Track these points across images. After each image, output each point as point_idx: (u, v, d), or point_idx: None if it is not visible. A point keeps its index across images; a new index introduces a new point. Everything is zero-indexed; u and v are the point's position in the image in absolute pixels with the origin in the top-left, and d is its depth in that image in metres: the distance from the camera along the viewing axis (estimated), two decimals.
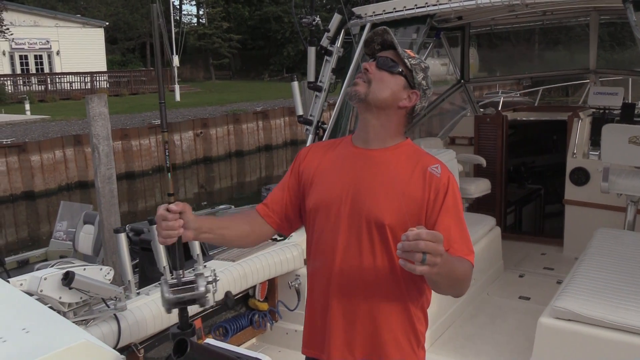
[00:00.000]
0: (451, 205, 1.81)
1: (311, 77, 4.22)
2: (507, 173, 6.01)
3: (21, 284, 2.44)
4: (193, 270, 1.96)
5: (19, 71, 32.02)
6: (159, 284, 1.78)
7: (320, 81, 4.21)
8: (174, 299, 1.82)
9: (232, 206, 9.44)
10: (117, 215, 6.46)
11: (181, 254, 1.88)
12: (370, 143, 1.90)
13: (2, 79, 29.20)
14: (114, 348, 2.44)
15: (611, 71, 7.66)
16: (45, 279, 2.46)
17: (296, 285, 3.71)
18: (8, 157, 15.78)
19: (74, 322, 2.35)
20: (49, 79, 31.23)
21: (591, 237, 3.98)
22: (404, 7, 4.06)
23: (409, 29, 4.21)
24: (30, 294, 2.27)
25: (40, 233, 13.96)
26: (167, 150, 1.99)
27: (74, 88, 31.16)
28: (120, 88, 33.23)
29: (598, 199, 4.96)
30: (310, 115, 4.20)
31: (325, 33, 4.20)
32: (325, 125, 4.18)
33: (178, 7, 47.37)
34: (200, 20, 50.59)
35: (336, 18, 4.17)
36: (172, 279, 1.90)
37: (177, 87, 28.99)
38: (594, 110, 6.03)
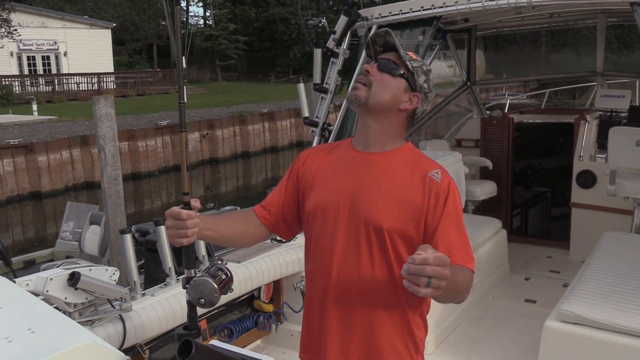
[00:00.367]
0: (452, 212, 1.79)
1: (317, 78, 4.22)
2: (514, 175, 5.99)
3: (27, 284, 2.45)
4: (199, 270, 1.96)
5: (26, 72, 32.17)
6: (194, 281, 1.77)
7: (326, 83, 4.21)
8: (217, 281, 1.79)
9: (238, 207, 9.44)
10: (123, 216, 6.48)
11: (193, 253, 1.88)
12: (370, 146, 1.89)
13: (9, 79, 29.34)
14: (119, 349, 2.44)
15: (618, 74, 7.64)
16: (51, 279, 2.47)
17: (301, 287, 3.70)
18: (15, 158, 15.85)
19: (79, 322, 2.36)
20: (56, 80, 31.38)
21: (598, 240, 3.96)
22: (411, 9, 4.06)
23: (415, 31, 4.20)
24: (36, 294, 2.27)
25: (47, 233, 14.01)
26: (185, 150, 1.97)
27: (81, 89, 31.28)
28: (127, 89, 33.33)
29: (605, 202, 4.94)
30: (316, 117, 4.20)
31: (332, 35, 4.20)
32: (331, 127, 4.18)
33: (185, 8, 47.48)
34: (207, 21, 50.73)
35: (342, 20, 4.17)
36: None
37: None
38: (601, 112, 6.01)
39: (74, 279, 2.49)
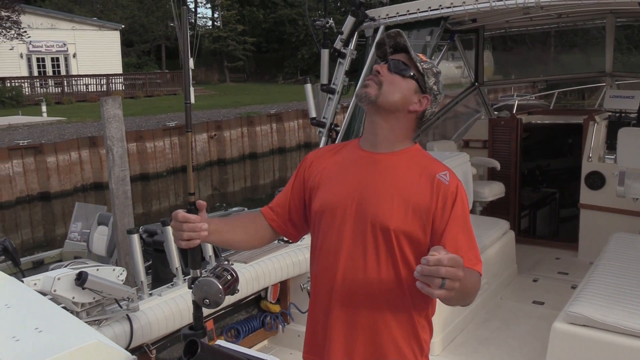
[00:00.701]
0: (459, 214, 1.78)
1: (324, 79, 4.22)
2: (522, 176, 5.97)
3: (35, 284, 2.46)
4: (206, 271, 1.96)
5: (36, 73, 32.37)
6: (199, 281, 1.78)
7: (334, 83, 4.21)
8: (222, 282, 1.80)
9: (245, 208, 9.46)
10: (130, 217, 6.50)
11: (199, 254, 1.89)
12: (377, 147, 1.88)
13: (19, 81, 29.54)
14: (126, 348, 2.45)
15: (628, 74, 7.58)
16: (58, 279, 2.48)
17: (308, 288, 3.68)
18: (25, 159, 15.94)
19: (86, 322, 2.36)
20: (65, 81, 31.56)
21: (606, 242, 3.94)
22: (418, 9, 4.05)
23: (423, 31, 4.19)
24: (44, 294, 2.28)
25: (55, 234, 14.08)
26: (191, 150, 1.98)
27: (90, 90, 31.44)
28: (136, 90, 33.47)
29: (614, 203, 4.91)
30: (324, 118, 4.20)
31: (339, 35, 4.20)
32: (338, 128, 4.17)
33: (193, 10, 47.63)
34: (215, 23, 50.87)
35: (350, 20, 4.16)
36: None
37: (191, 89, 29.14)
38: (610, 113, 5.98)
39: (81, 279, 2.50)
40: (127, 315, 2.74)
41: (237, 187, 20.34)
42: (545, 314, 3.97)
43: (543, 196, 6.56)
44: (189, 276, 1.86)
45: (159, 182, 19.04)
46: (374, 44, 4.13)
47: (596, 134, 5.23)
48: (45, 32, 32.31)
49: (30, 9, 31.60)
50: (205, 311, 2.25)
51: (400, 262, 1.79)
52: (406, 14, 4.10)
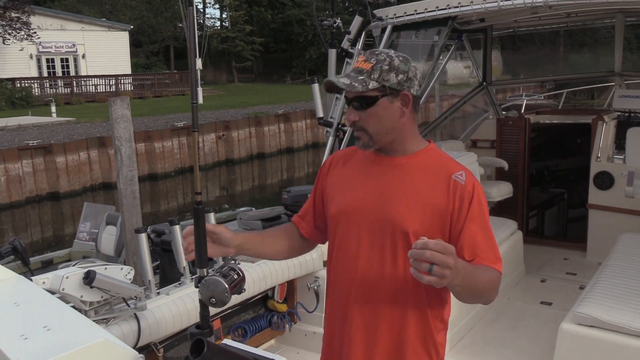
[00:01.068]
0: (477, 213, 1.78)
1: None
2: (530, 176, 5.94)
3: (44, 283, 2.48)
4: (213, 270, 1.97)
5: (45, 74, 32.55)
6: (206, 280, 1.79)
7: None
8: (228, 281, 1.80)
9: (253, 208, 9.46)
10: (138, 217, 6.52)
11: (206, 252, 1.89)
12: (391, 153, 1.87)
13: (29, 81, 29.71)
14: (134, 347, 2.46)
15: (637, 74, 7.53)
16: (67, 277, 2.50)
17: (315, 287, 3.71)
18: (34, 159, 16.04)
19: (94, 320, 2.38)
20: (74, 82, 31.73)
21: (615, 242, 3.93)
22: (426, 9, 4.05)
23: (431, 31, 4.19)
24: (53, 293, 2.30)
25: (64, 234, 14.15)
26: (197, 150, 1.99)
27: (99, 91, 31.59)
28: (144, 91, 33.60)
29: (623, 203, 4.88)
30: (331, 118, 4.21)
31: (346, 35, 4.20)
32: (345, 128, 4.18)
33: (201, 10, 47.75)
34: (224, 23, 50.97)
35: (357, 20, 4.17)
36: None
37: (200, 89, 29.23)
38: (619, 113, 5.94)
39: (89, 278, 2.51)
40: (134, 314, 2.76)
41: (244, 187, 20.37)
42: (553, 315, 3.96)
43: (551, 196, 6.53)
44: (196, 275, 1.87)
45: (167, 182, 19.10)
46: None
47: (605, 134, 5.21)
48: (55, 33, 32.50)
49: (39, 10, 31.80)
50: (212, 310, 2.26)
51: None
52: (414, 14, 4.10)
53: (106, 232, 7.65)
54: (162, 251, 6.02)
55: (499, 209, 5.47)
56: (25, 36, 28.49)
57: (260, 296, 3.65)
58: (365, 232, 1.83)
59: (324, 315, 2.03)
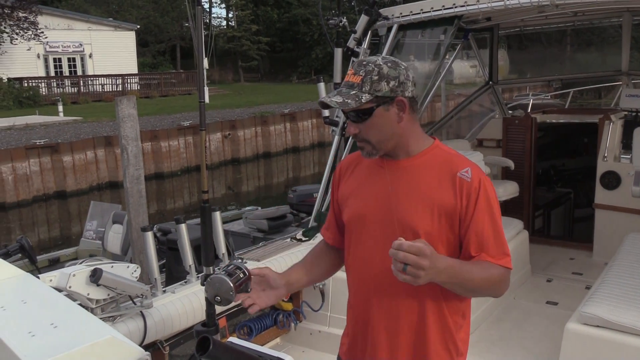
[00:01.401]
0: (483, 208, 1.78)
1: (338, 78, 4.23)
2: (536, 176, 5.93)
3: (51, 280, 2.50)
4: (219, 268, 1.98)
5: (52, 74, 32.67)
6: (211, 279, 1.79)
7: None
8: (234, 280, 1.81)
9: (259, 207, 9.49)
10: (145, 215, 6.53)
11: (213, 251, 1.91)
12: (396, 156, 1.88)
13: (36, 81, 29.84)
14: (140, 345, 2.47)
15: None
16: (74, 275, 2.51)
17: (320, 286, 3.72)
18: (41, 158, 16.11)
19: (101, 318, 2.39)
20: (81, 81, 31.83)
21: (621, 242, 3.91)
22: (432, 8, 4.04)
23: (437, 30, 4.19)
24: (60, 290, 2.31)
25: (71, 232, 14.21)
26: (205, 149, 2.01)
27: (105, 90, 31.69)
28: (151, 90, 33.68)
29: (629, 203, 4.86)
30: (337, 117, 4.21)
31: (352, 34, 4.20)
32: None
33: (208, 10, 47.81)
34: (230, 23, 51.02)
35: (363, 19, 4.17)
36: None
37: (206, 89, 29.19)
38: (626, 112, 5.92)
39: (96, 276, 2.53)
40: (141, 312, 2.77)
41: (250, 186, 20.39)
42: (559, 315, 3.94)
43: (557, 196, 6.51)
44: (202, 273, 1.88)
45: (174, 181, 19.15)
46: (387, 45, 4.12)
47: (612, 134, 5.19)
48: (62, 33, 32.62)
49: (47, 10, 31.92)
50: (218, 308, 2.27)
51: None
52: (420, 13, 4.09)
53: (113, 231, 7.68)
54: (168, 249, 6.04)
55: (505, 208, 5.46)
56: (32, 36, 28.61)
57: None
58: (378, 235, 1.85)
59: (346, 319, 2.04)
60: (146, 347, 2.74)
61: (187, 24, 40.98)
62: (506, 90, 12.30)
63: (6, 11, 27.69)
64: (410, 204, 1.81)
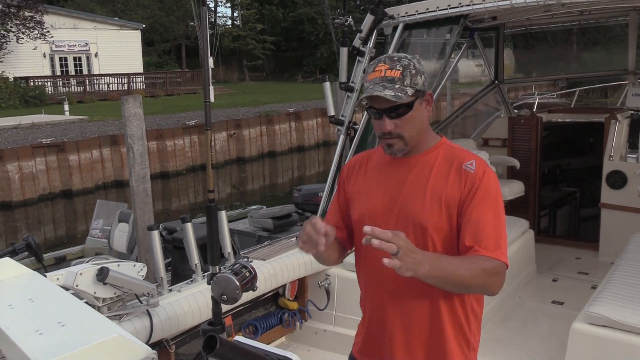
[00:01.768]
0: (483, 199, 1.79)
1: (343, 77, 4.23)
2: (541, 175, 5.91)
3: (58, 279, 2.51)
4: (223, 267, 1.98)
5: (58, 73, 32.77)
6: (217, 278, 1.79)
7: (352, 82, 4.21)
8: (240, 279, 1.81)
9: (264, 206, 9.50)
10: (150, 214, 6.56)
11: (219, 250, 1.91)
12: (408, 152, 1.90)
13: (42, 80, 29.93)
14: (146, 343, 2.48)
15: None
16: (80, 274, 2.52)
17: (326, 285, 3.72)
18: (47, 157, 16.16)
19: (107, 317, 2.40)
20: (87, 81, 31.92)
21: (628, 242, 3.90)
22: (437, 7, 4.04)
23: (442, 29, 4.18)
24: (66, 289, 2.32)
25: (77, 231, 14.26)
26: (211, 148, 2.02)
27: (111, 89, 31.76)
28: (156, 89, 33.73)
29: (635, 202, 4.85)
30: (342, 116, 4.21)
31: (358, 34, 4.20)
32: (356, 126, 4.18)
33: (213, 9, 47.87)
34: (235, 22, 51.06)
35: (369, 18, 4.17)
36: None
37: (211, 88, 29.23)
38: (632, 112, 5.89)
39: (102, 274, 2.54)
40: (147, 310, 2.78)
41: (256, 185, 20.41)
42: (565, 314, 3.94)
43: (563, 195, 6.49)
44: (208, 272, 1.89)
45: (179, 180, 19.18)
46: (394, 45, 4.12)
47: (618, 133, 5.17)
48: (68, 32, 32.71)
49: (53, 9, 32.01)
50: (224, 307, 2.28)
51: None
52: (425, 12, 4.09)
53: (118, 229, 7.70)
54: (174, 248, 6.06)
55: (511, 207, 5.45)
56: (38, 35, 28.70)
57: (271, 294, 3.66)
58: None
59: (362, 317, 2.04)
60: (152, 346, 2.74)
61: (192, 23, 41.05)
62: (511, 89, 12.27)
63: (12, 10, 27.79)
64: (420, 199, 1.83)
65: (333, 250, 2.02)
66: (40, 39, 29.05)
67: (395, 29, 4.23)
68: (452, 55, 5.16)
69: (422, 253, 1.63)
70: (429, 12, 4.07)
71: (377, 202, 1.90)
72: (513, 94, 16.81)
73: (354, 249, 2.07)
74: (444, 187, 1.82)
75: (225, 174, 20.60)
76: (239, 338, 1.75)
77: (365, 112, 4.14)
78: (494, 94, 6.50)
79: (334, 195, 2.11)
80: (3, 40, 28.42)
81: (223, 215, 3.31)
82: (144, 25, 37.38)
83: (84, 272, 2.54)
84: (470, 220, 1.77)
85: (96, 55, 34.35)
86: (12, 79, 28.31)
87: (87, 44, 33.94)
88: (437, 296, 1.84)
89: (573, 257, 5.28)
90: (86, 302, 2.46)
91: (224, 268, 1.88)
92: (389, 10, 4.24)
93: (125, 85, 32.41)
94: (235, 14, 51.37)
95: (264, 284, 3.37)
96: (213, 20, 46.90)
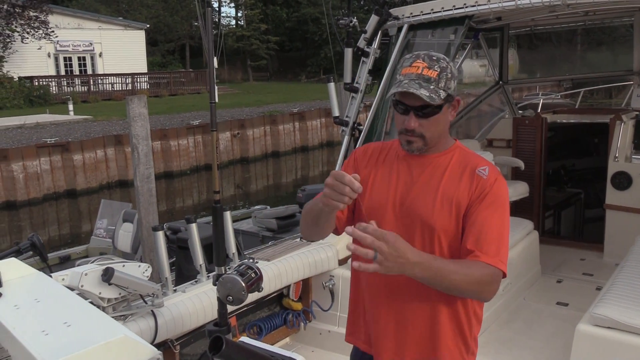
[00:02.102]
0: (492, 205, 1.79)
1: (348, 78, 4.23)
2: (546, 176, 5.90)
3: (63, 279, 2.51)
4: (229, 267, 1.98)
5: (63, 72, 32.86)
6: (223, 279, 1.79)
7: (357, 82, 4.21)
8: (246, 279, 1.81)
9: (268, 206, 9.50)
10: (155, 214, 6.57)
11: (224, 251, 1.91)
12: (425, 151, 1.90)
13: (47, 80, 30.02)
14: (151, 344, 2.48)
15: None
16: (85, 274, 2.53)
17: (330, 286, 3.72)
18: (52, 156, 16.20)
19: (112, 317, 2.40)
20: (91, 80, 32.00)
21: (633, 243, 3.89)
22: (442, 8, 4.03)
23: (447, 30, 4.17)
24: (72, 289, 2.33)
25: (81, 230, 14.29)
26: (216, 149, 2.01)
27: (115, 89, 31.83)
28: (160, 89, 33.80)
29: None
30: (347, 117, 4.21)
31: (362, 34, 4.20)
32: (361, 127, 4.18)
33: (217, 9, 47.89)
34: (239, 22, 51.10)
35: (373, 19, 4.16)
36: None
37: (215, 88, 29.25)
38: (637, 112, 5.88)
39: (108, 275, 2.54)
40: (151, 311, 2.78)
41: (259, 185, 20.42)
42: (570, 316, 3.93)
43: (568, 196, 6.48)
44: (214, 273, 1.89)
45: (183, 180, 19.20)
46: (398, 47, 4.12)
47: (623, 134, 5.16)
48: (72, 32, 32.79)
49: (57, 9, 32.10)
50: (228, 308, 2.28)
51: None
52: (430, 13, 4.08)
53: (123, 229, 7.72)
54: (178, 248, 6.06)
55: (515, 208, 5.43)
56: (43, 35, 28.78)
57: (275, 294, 3.67)
58: (395, 229, 1.83)
59: (349, 308, 2.03)
60: (157, 346, 2.75)
61: (196, 23, 41.05)
62: (515, 89, 12.24)
63: (17, 10, 27.88)
64: (430, 200, 1.83)
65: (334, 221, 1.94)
66: (45, 38, 29.12)
67: (399, 29, 4.22)
68: (457, 56, 5.15)
69: (415, 255, 1.59)
70: (433, 12, 4.07)
71: (387, 197, 1.89)
72: (517, 95, 16.79)
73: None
74: (456, 190, 1.82)
75: (229, 174, 20.62)
76: (245, 339, 1.75)
77: (373, 108, 4.14)
78: (499, 95, 6.48)
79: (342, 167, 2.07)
80: (8, 40, 28.49)
81: (228, 216, 3.31)
82: (148, 25, 37.45)
83: (89, 273, 2.54)
84: (474, 224, 1.78)
85: (100, 55, 34.43)
86: (17, 79, 28.40)
87: (91, 43, 34.02)
88: (436, 298, 1.84)
89: (578, 258, 5.27)
90: (91, 303, 2.47)
91: (230, 269, 1.88)
92: (394, 11, 4.24)
93: (129, 85, 32.47)
94: (239, 14, 51.47)
95: (268, 285, 3.37)
96: (217, 20, 47.02)
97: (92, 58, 34.43)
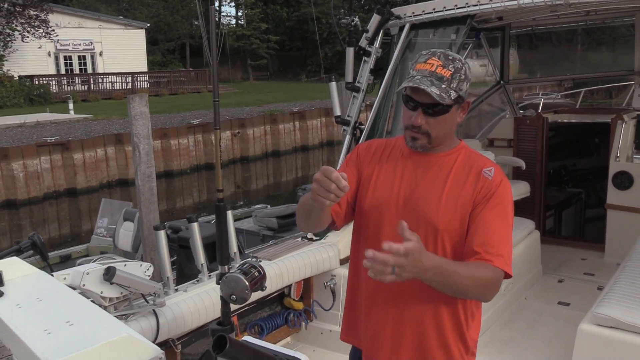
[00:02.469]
0: (496, 207, 1.79)
1: (349, 77, 4.22)
2: (547, 176, 5.90)
3: (64, 278, 2.51)
4: (232, 267, 1.98)
5: (63, 71, 32.84)
6: (227, 277, 1.78)
7: (358, 82, 4.21)
8: (249, 278, 1.80)
9: (268, 206, 9.50)
10: (156, 213, 6.57)
11: (227, 250, 1.91)
12: (430, 149, 1.89)
13: (47, 79, 30.01)
14: (152, 343, 2.48)
15: None
16: (87, 273, 2.52)
17: (331, 286, 3.72)
18: (52, 155, 16.20)
19: (114, 316, 2.40)
20: (92, 79, 31.98)
21: (634, 243, 3.89)
22: (444, 7, 4.03)
23: (449, 29, 4.17)
24: (73, 288, 2.33)
25: (82, 229, 14.29)
26: (219, 147, 2.01)
27: (115, 88, 31.82)
28: (160, 88, 33.78)
29: None
30: (348, 116, 4.21)
31: (364, 34, 4.20)
32: (362, 126, 4.18)
33: (217, 8, 47.86)
34: (239, 21, 51.09)
35: (375, 18, 4.16)
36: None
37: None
38: (638, 112, 5.88)
39: (109, 274, 2.54)
40: (153, 310, 2.78)
41: (260, 184, 20.42)
42: (571, 315, 3.93)
43: (569, 196, 6.48)
44: (217, 272, 1.89)
45: (183, 179, 19.20)
46: (400, 45, 4.12)
47: (624, 134, 5.15)
48: (73, 31, 32.79)
49: (58, 8, 32.08)
50: (230, 307, 2.28)
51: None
52: (432, 12, 4.08)
53: (124, 228, 7.72)
54: (179, 247, 6.06)
55: (516, 208, 5.37)
56: (43, 34, 28.77)
57: (276, 294, 3.67)
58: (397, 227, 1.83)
59: (346, 305, 2.02)
60: (159, 345, 2.75)
61: (196, 22, 41.04)
62: (516, 89, 12.24)
63: (18, 9, 27.86)
64: (434, 199, 1.83)
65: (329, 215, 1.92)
66: (45, 37, 29.11)
67: (401, 29, 4.22)
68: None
69: (429, 260, 1.58)
70: (435, 12, 4.06)
71: (391, 194, 1.88)
72: (518, 94, 16.78)
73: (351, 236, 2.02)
74: (461, 190, 1.82)
75: (230, 173, 20.61)
76: (247, 338, 1.75)
77: (374, 108, 4.13)
78: (500, 94, 6.48)
79: (340, 167, 2.05)
80: (8, 39, 28.48)
81: (229, 214, 3.31)
82: (148, 25, 37.43)
83: (90, 272, 2.54)
84: (479, 225, 1.77)
85: (101, 54, 34.42)
86: (17, 78, 28.39)
87: (91, 42, 34.01)
88: (436, 298, 1.83)
89: (579, 258, 5.27)
90: (92, 302, 2.47)
91: (232, 268, 1.88)
92: (396, 11, 4.23)
93: (130, 84, 32.45)
94: (240, 13, 51.44)
95: (270, 284, 3.36)
96: (217, 19, 46.99)
97: (92, 57, 34.41)
